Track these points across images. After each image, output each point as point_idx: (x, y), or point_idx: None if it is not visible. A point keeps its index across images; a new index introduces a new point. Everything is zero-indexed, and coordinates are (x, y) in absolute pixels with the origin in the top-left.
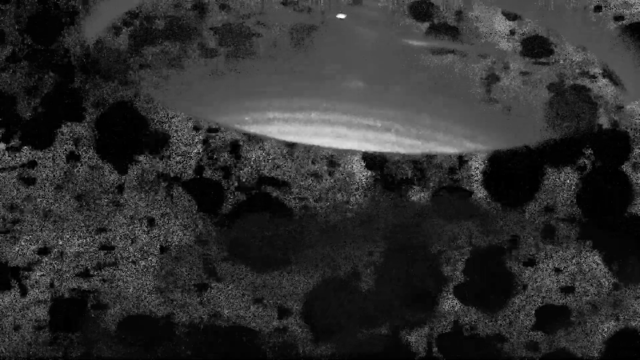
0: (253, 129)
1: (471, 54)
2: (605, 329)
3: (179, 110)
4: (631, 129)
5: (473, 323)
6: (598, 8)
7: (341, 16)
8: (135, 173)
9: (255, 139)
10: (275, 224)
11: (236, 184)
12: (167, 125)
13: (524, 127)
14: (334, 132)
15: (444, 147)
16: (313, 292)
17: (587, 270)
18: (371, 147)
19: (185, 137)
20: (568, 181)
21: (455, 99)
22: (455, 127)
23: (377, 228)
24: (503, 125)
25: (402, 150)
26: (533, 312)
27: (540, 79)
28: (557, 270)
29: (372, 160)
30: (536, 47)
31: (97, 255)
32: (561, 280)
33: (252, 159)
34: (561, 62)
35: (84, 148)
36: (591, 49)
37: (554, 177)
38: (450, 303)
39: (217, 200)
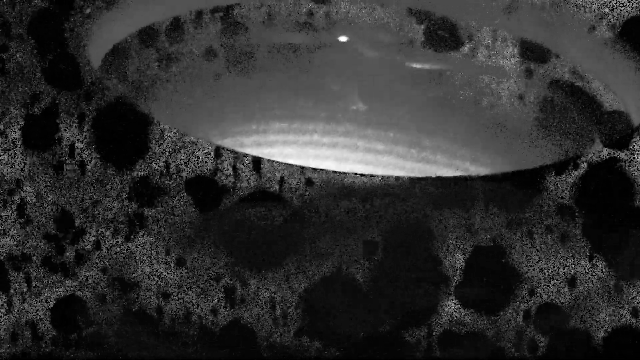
0: (254, 151)
1: (472, 75)
2: (605, 327)
3: (181, 131)
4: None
5: (473, 323)
6: (593, 27)
7: (343, 39)
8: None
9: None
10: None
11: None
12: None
13: (527, 149)
14: (335, 154)
15: (446, 169)
16: (312, 290)
17: (588, 269)
18: (372, 170)
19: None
20: (568, 179)
21: (457, 121)
22: (457, 150)
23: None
24: (506, 147)
25: (402, 173)
26: (534, 311)
27: (539, 99)
28: (558, 269)
29: None
30: (537, 65)
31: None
32: (561, 279)
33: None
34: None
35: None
36: (589, 66)
37: (553, 177)
38: (450, 302)
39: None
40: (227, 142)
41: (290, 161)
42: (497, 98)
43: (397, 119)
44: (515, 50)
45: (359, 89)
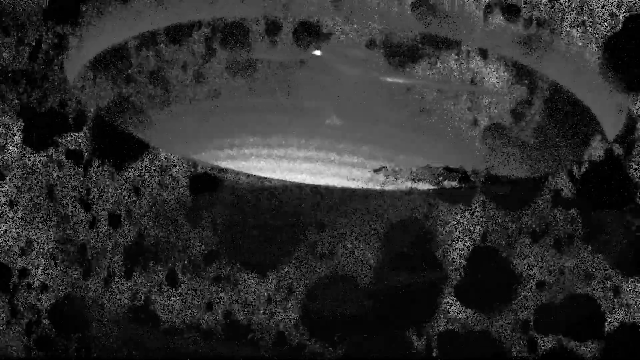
0: (230, 165)
1: (450, 91)
2: (606, 326)
3: (159, 146)
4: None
5: (473, 322)
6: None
7: (317, 53)
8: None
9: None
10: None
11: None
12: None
13: (507, 165)
14: (310, 168)
15: (421, 183)
16: (312, 290)
17: (588, 269)
18: (347, 184)
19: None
20: (567, 180)
21: (433, 136)
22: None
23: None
24: (482, 164)
25: (377, 187)
26: (533, 311)
27: (526, 116)
28: (557, 269)
29: None
30: (518, 86)
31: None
32: (561, 279)
33: None
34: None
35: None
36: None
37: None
38: (450, 302)
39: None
40: (203, 156)
41: (265, 175)
42: (476, 115)
43: (371, 134)
44: (501, 68)
45: (336, 104)
